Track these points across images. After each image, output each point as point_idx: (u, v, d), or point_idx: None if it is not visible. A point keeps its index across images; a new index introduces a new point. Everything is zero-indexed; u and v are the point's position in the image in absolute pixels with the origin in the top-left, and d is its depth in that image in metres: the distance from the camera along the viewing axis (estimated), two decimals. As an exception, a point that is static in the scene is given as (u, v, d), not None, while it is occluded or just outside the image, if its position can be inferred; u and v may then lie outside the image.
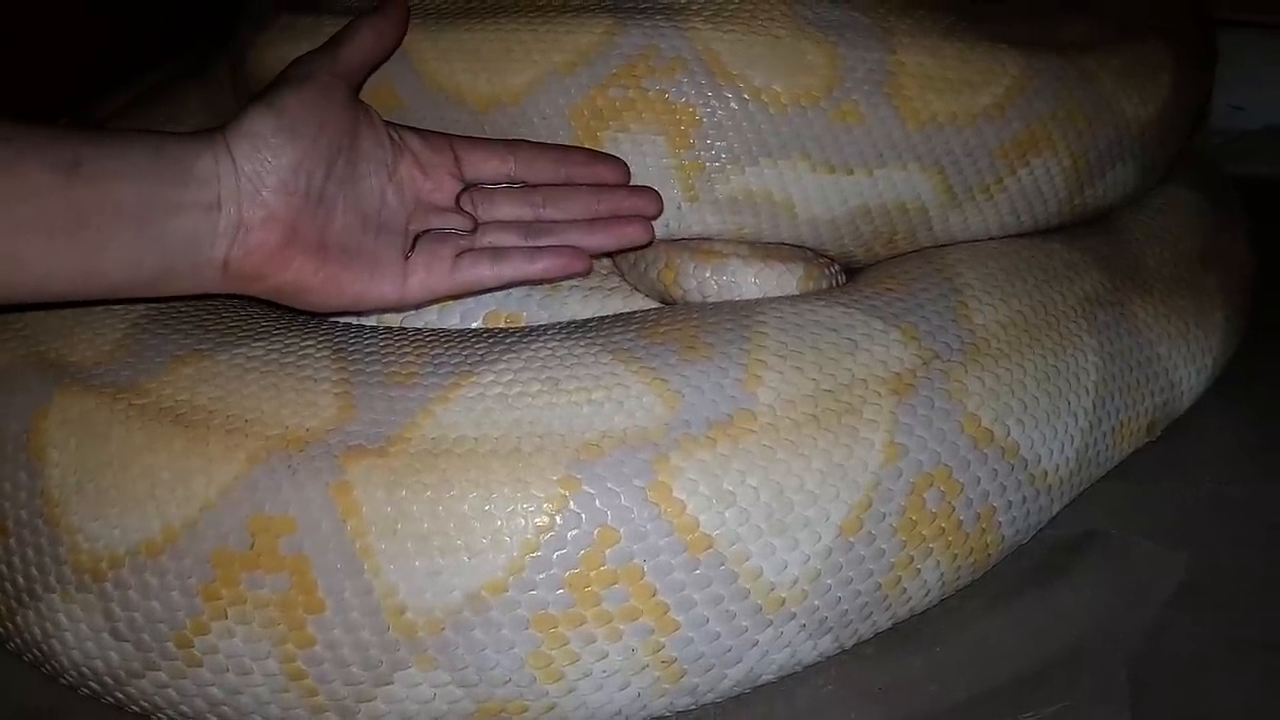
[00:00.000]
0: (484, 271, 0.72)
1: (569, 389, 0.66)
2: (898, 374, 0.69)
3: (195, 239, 0.64)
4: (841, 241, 0.80)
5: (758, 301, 0.74)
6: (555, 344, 0.69)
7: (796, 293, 0.76)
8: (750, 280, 0.76)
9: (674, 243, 0.78)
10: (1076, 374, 0.77)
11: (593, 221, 0.74)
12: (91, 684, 0.68)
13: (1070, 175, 0.83)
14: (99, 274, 0.62)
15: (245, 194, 0.64)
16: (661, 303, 0.79)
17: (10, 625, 0.70)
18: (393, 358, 0.68)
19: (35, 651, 0.69)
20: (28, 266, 0.60)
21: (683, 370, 0.67)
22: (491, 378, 0.66)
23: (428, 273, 0.71)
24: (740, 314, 0.71)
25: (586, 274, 0.74)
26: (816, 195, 0.77)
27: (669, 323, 0.71)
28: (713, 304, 0.75)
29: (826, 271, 0.79)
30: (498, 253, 0.72)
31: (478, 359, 0.68)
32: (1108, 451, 0.81)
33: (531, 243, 0.73)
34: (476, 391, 0.66)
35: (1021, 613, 0.75)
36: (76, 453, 0.66)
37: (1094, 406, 0.78)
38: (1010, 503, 0.73)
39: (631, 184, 0.76)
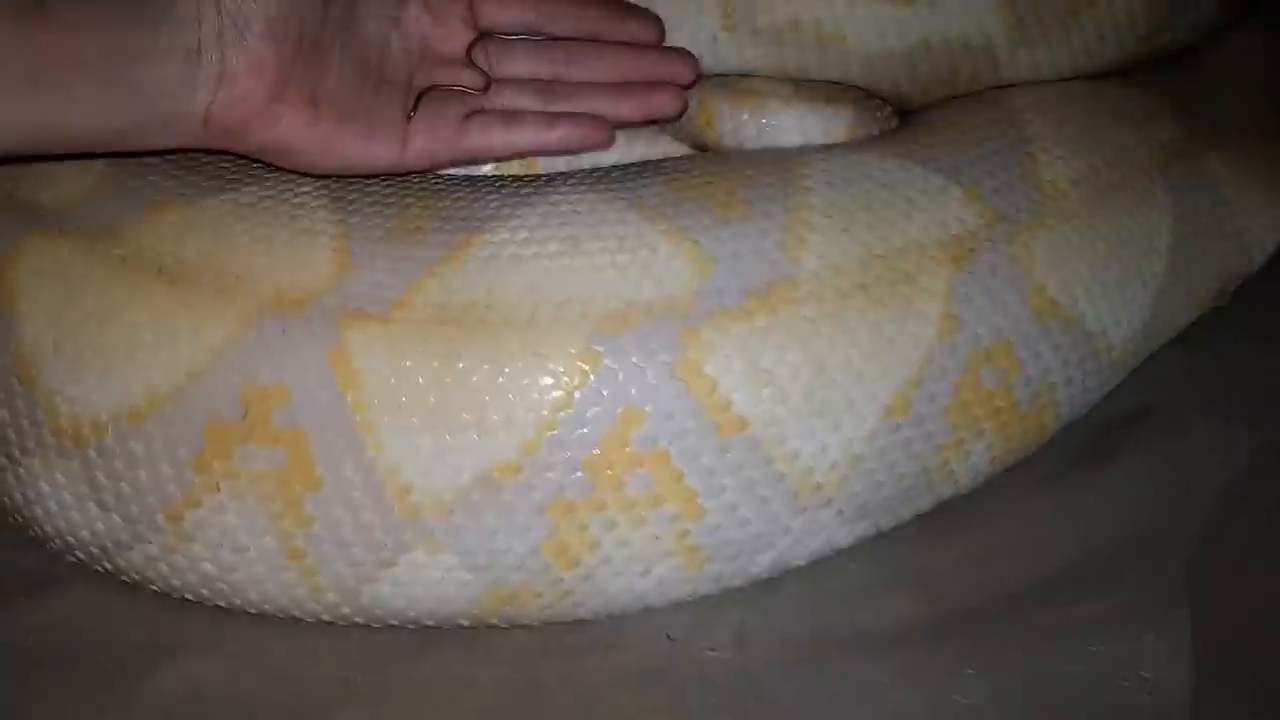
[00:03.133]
0: (494, 137, 0.64)
1: (590, 250, 0.59)
2: (957, 237, 0.62)
3: (171, 90, 0.56)
4: (896, 81, 0.71)
5: (802, 151, 0.67)
6: (576, 197, 0.62)
7: (844, 140, 0.69)
8: (793, 124, 0.69)
9: (708, 80, 0.70)
10: (1149, 236, 0.69)
11: (619, 86, 0.66)
12: (78, 553, 0.64)
13: (1151, 6, 0.74)
14: (58, 129, 0.55)
15: (229, 39, 0.57)
16: (692, 148, 0.72)
17: (-10, 486, 0.66)
18: (394, 210, 0.62)
19: (18, 517, 0.65)
20: None
21: (717, 231, 0.60)
22: (505, 235, 0.60)
23: (431, 135, 0.63)
24: (782, 166, 0.64)
25: (607, 146, 0.67)
26: (872, 28, 0.69)
27: (701, 174, 0.64)
28: (751, 153, 0.68)
29: (877, 115, 0.71)
30: (510, 116, 0.65)
31: (489, 214, 0.61)
32: (1175, 320, 0.74)
33: (549, 107, 0.65)
34: (488, 251, 0.59)
35: (1072, 496, 0.69)
36: (50, 306, 0.60)
37: (1165, 271, 0.71)
38: (1070, 379, 0.67)
39: (666, 46, 0.68)
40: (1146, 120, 0.73)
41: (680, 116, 0.68)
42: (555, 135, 0.65)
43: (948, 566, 0.66)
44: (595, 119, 0.65)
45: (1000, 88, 0.73)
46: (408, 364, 0.57)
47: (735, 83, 0.70)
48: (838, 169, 0.64)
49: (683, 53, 0.67)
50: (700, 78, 0.69)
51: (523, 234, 0.60)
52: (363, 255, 0.59)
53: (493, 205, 0.62)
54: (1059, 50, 0.72)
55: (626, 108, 0.66)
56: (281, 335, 0.58)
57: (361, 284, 0.58)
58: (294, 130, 0.59)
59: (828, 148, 0.67)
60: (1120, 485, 0.70)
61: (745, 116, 0.69)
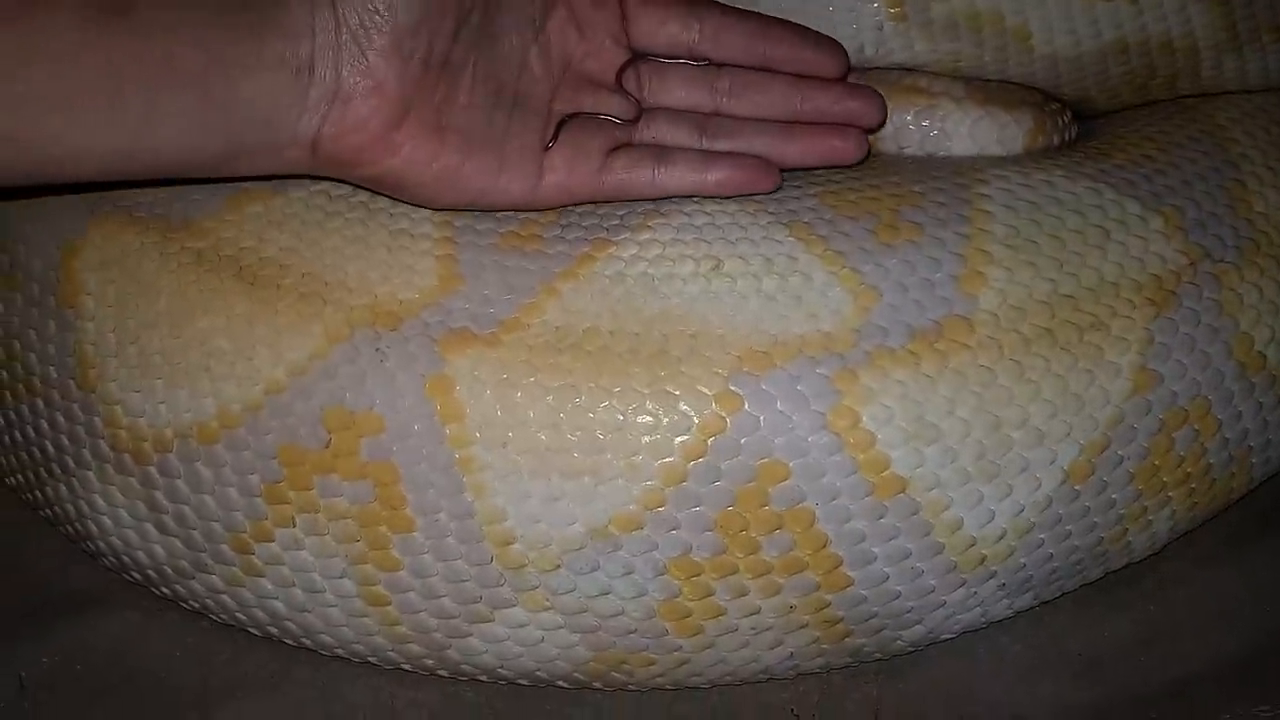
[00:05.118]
0: (640, 176, 0.55)
1: (732, 274, 0.51)
2: (1157, 277, 0.54)
3: (274, 110, 0.48)
4: (1083, 83, 0.62)
5: (976, 164, 0.58)
6: (716, 207, 0.54)
7: (1021, 150, 0.60)
8: (965, 129, 0.60)
9: (870, 74, 0.61)
10: (1366, 277, 0.60)
11: (790, 126, 0.57)
12: (134, 574, 0.58)
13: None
14: (144, 153, 0.48)
15: (347, 55, 0.49)
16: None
17: (40, 495, 0.59)
18: (510, 211, 0.54)
19: (71, 528, 0.59)
20: (48, 145, 0.46)
21: (880, 258, 0.52)
22: (634, 250, 0.52)
23: (569, 170, 0.54)
24: (956, 181, 0.55)
25: (772, 190, 0.56)
26: (1061, 23, 0.60)
27: (861, 187, 0.55)
28: (917, 163, 0.59)
29: (1058, 122, 0.62)
30: (661, 153, 0.55)
31: (617, 221, 0.53)
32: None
33: (707, 144, 0.56)
34: (614, 268, 0.51)
35: (1256, 565, 0.61)
36: (116, 304, 0.53)
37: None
38: (1269, 441, 0.58)
39: (850, 82, 0.58)
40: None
41: (861, 163, 0.59)
42: (712, 178, 0.55)
43: (1114, 645, 0.58)
44: (759, 162, 0.55)
45: (1198, 97, 0.64)
46: (518, 396, 0.49)
47: (900, 78, 0.61)
48: (1019, 189, 0.55)
49: (868, 91, 0.57)
50: (865, 71, 0.60)
51: (655, 249, 0.52)
52: (470, 264, 0.52)
53: (620, 212, 0.54)
54: (1271, 59, 0.63)
55: (796, 150, 0.56)
56: (374, 354, 0.50)
57: (468, 299, 0.51)
58: (415, 162, 0.51)
59: (1006, 161, 0.58)
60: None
61: (909, 117, 0.60)
